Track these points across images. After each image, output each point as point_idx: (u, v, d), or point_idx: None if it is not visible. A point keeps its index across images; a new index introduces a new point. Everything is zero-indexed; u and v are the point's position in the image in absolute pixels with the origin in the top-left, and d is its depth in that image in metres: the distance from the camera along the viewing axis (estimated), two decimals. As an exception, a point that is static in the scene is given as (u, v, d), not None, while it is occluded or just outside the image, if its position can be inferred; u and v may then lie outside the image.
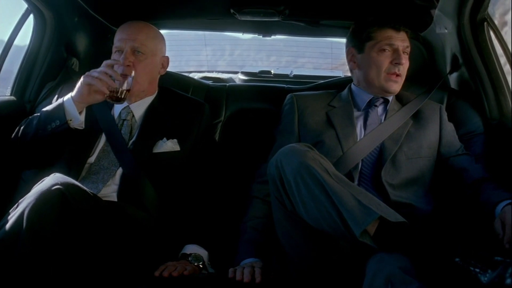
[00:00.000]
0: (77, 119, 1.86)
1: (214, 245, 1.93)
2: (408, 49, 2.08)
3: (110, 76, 1.83)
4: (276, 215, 1.74)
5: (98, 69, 1.84)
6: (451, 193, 1.98)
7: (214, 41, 4.96)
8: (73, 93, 1.87)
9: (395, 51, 2.05)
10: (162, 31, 2.24)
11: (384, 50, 2.05)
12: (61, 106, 1.86)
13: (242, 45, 5.04)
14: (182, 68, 3.43)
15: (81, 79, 1.85)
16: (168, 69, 2.20)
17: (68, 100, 1.86)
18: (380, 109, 2.11)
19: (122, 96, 1.85)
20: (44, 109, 1.92)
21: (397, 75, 2.05)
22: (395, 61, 2.04)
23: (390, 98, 2.12)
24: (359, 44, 2.12)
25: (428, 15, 2.39)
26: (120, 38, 2.05)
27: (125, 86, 1.86)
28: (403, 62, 2.04)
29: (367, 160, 1.98)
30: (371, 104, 2.11)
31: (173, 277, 1.69)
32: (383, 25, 2.07)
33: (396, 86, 2.07)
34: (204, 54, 5.04)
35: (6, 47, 2.29)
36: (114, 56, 2.05)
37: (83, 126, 1.89)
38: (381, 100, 2.11)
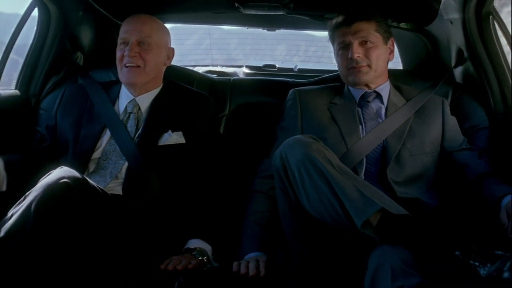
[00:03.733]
0: None
1: (218, 239, 1.93)
2: (369, 37, 2.07)
3: None
4: (280, 206, 1.74)
5: None
6: (455, 188, 1.97)
7: (289, 36, 4.96)
8: None
9: (348, 46, 2.07)
10: (168, 25, 2.25)
11: (341, 48, 2.10)
12: None
13: (318, 42, 5.04)
14: (257, 63, 3.44)
15: None
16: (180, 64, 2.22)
17: None
18: (374, 104, 2.11)
19: None
20: None
21: (358, 67, 2.06)
22: (349, 56, 2.06)
23: (384, 92, 2.12)
24: (332, 47, 2.19)
25: (433, 9, 2.38)
26: (126, 29, 2.07)
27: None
28: (355, 56, 2.05)
29: (371, 156, 1.98)
30: (364, 100, 2.11)
31: (178, 270, 1.69)
32: (338, 25, 2.12)
33: (361, 75, 2.08)
34: (279, 49, 5.05)
35: (11, 41, 2.29)
36: (120, 47, 2.07)
37: (5, 188, 1.84)
38: (374, 94, 2.12)
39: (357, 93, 2.12)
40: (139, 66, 2.04)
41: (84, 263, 1.64)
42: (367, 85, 2.11)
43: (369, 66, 2.07)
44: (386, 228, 1.49)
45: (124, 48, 2.05)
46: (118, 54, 2.07)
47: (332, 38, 2.17)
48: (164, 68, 2.18)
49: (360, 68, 2.06)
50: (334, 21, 2.14)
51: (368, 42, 2.06)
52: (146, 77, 2.07)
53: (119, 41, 2.09)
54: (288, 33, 4.65)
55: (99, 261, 1.68)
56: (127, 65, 2.04)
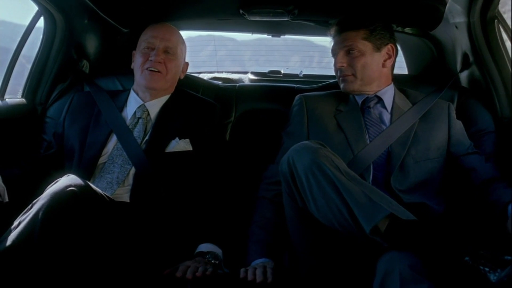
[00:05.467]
0: None
1: (225, 245, 1.92)
2: (355, 46, 2.06)
3: None
4: (287, 212, 1.74)
5: None
6: (462, 193, 1.97)
7: (303, 48, 4.99)
8: None
9: (335, 55, 2.11)
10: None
11: (334, 56, 2.13)
12: None
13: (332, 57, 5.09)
14: (262, 69, 3.45)
15: None
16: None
17: None
18: (376, 109, 2.11)
19: None
20: None
21: (342, 76, 2.10)
22: (336, 65, 2.11)
23: (386, 97, 2.12)
24: None
25: (438, 13, 2.38)
26: (154, 35, 2.11)
27: None
28: (338, 66, 2.09)
29: (377, 162, 1.97)
30: (365, 105, 2.11)
31: (185, 277, 1.69)
32: (333, 35, 2.14)
33: (346, 84, 2.11)
34: (293, 60, 5.08)
35: (17, 49, 2.30)
36: (143, 51, 2.10)
37: (7, 199, 1.78)
38: (375, 99, 2.11)
39: (359, 99, 2.13)
40: (160, 72, 2.08)
41: (92, 271, 1.64)
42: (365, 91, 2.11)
43: (353, 75, 2.08)
44: (395, 234, 1.48)
45: (149, 52, 2.09)
46: (141, 58, 2.10)
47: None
48: (177, 79, 2.21)
49: (345, 77, 2.09)
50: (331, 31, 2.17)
51: (354, 51, 2.06)
52: (165, 84, 2.12)
53: (142, 44, 2.12)
54: (301, 43, 4.66)
55: (107, 269, 1.68)
56: (149, 69, 2.07)
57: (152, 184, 1.94)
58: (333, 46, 2.13)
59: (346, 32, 2.08)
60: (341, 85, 2.12)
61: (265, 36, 3.41)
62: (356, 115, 2.08)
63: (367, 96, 2.11)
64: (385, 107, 2.10)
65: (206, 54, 4.60)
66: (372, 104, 2.10)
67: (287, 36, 3.43)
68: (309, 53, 5.03)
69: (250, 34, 3.38)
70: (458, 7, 2.20)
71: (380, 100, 2.11)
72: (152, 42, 2.09)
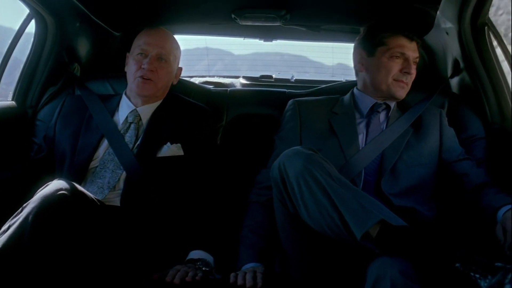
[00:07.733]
0: None
1: (217, 250, 1.92)
2: (417, 60, 2.08)
3: None
4: (278, 218, 1.74)
5: None
6: (453, 199, 1.97)
7: (300, 63, 5.04)
8: None
9: (406, 60, 2.04)
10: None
11: (395, 57, 2.05)
12: None
13: (327, 69, 5.10)
14: (254, 74, 3.44)
15: None
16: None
17: None
18: (382, 115, 2.11)
19: None
20: None
21: (406, 83, 2.06)
22: (405, 70, 2.04)
23: (392, 105, 2.12)
24: (370, 47, 2.11)
25: (429, 19, 2.39)
26: (148, 42, 2.09)
27: None
28: (412, 72, 2.05)
29: (369, 168, 1.97)
30: (373, 110, 2.10)
31: (186, 282, 1.67)
32: (396, 32, 2.07)
33: (403, 92, 2.07)
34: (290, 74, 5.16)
35: (7, 52, 2.29)
36: (136, 58, 2.08)
37: None
38: (384, 106, 2.11)
39: (368, 102, 2.11)
40: (152, 80, 2.06)
41: (82, 275, 1.63)
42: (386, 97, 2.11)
43: (407, 84, 2.08)
44: (386, 239, 1.48)
45: (142, 59, 2.07)
46: (134, 65, 2.08)
47: (378, 39, 2.09)
48: (170, 84, 2.20)
49: (407, 84, 2.07)
50: (387, 24, 2.12)
51: (415, 64, 2.07)
52: (157, 92, 2.11)
53: (136, 50, 2.10)
54: (298, 59, 4.68)
55: (97, 273, 1.67)
56: (141, 77, 2.05)
57: (143, 188, 1.93)
58: (402, 48, 2.05)
59: (416, 42, 2.08)
60: (394, 89, 2.07)
61: (261, 51, 3.43)
62: (351, 119, 2.09)
63: (376, 101, 2.11)
64: (388, 115, 2.11)
65: (203, 68, 4.62)
66: (380, 109, 2.11)
67: (284, 52, 3.44)
68: (305, 69, 5.07)
69: (244, 42, 3.38)
70: (448, 13, 2.21)
71: (387, 107, 2.12)
72: (146, 49, 2.07)
